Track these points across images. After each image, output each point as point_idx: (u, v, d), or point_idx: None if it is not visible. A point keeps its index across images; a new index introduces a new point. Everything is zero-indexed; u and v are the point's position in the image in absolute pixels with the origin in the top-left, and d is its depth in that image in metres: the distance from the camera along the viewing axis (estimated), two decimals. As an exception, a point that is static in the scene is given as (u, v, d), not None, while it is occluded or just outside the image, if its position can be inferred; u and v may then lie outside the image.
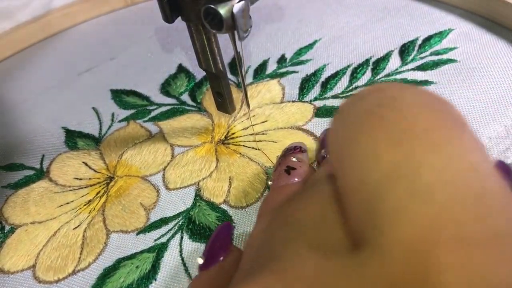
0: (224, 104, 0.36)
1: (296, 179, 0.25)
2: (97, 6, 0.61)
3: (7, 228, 0.35)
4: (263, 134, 0.37)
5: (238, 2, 0.26)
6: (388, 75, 0.40)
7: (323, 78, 0.42)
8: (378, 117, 0.13)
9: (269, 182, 0.27)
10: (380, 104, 0.14)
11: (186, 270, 0.29)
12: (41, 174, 0.39)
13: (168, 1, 0.29)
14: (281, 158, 0.27)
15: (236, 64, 0.45)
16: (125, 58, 0.52)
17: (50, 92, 0.49)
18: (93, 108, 0.45)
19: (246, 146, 0.37)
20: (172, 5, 0.29)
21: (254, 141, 0.37)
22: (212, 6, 0.26)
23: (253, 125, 0.38)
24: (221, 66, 0.33)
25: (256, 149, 0.36)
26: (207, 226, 0.31)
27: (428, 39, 0.43)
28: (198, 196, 0.34)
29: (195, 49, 0.32)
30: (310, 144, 0.35)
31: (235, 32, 0.27)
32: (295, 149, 0.27)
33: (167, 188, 0.35)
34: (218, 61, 0.32)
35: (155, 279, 0.29)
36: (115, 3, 0.61)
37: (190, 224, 0.32)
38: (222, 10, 0.25)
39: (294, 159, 0.26)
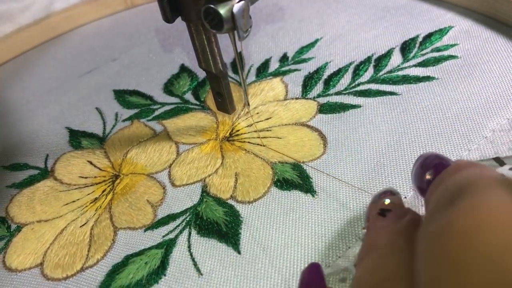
0: (224, 104, 0.36)
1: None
2: (97, 8, 0.61)
3: (13, 227, 0.35)
4: (267, 130, 0.38)
5: (238, 2, 0.26)
6: (390, 71, 0.40)
7: (325, 75, 0.42)
8: None
9: (363, 230, 0.26)
10: None
11: (195, 265, 0.29)
12: (45, 173, 0.39)
13: (168, 1, 0.29)
14: (371, 205, 0.26)
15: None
16: (127, 59, 0.52)
17: (52, 94, 0.49)
18: (96, 108, 0.45)
19: (251, 143, 0.37)
20: (172, 5, 0.29)
21: (258, 137, 0.37)
22: (212, 6, 0.26)
23: (256, 122, 0.39)
24: (221, 66, 0.33)
25: (261, 145, 0.36)
26: (214, 221, 0.32)
27: (428, 36, 0.43)
28: (204, 192, 0.34)
29: (195, 49, 0.33)
30: (316, 139, 0.36)
31: (235, 32, 0.27)
32: (385, 193, 0.26)
33: (173, 185, 0.35)
34: (218, 61, 0.33)
35: (164, 275, 0.29)
36: (116, 5, 0.62)
37: (198, 220, 0.32)
38: (222, 10, 0.26)
39: (387, 202, 0.25)
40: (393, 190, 0.26)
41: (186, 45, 0.52)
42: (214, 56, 0.32)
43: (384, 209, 0.25)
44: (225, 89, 0.35)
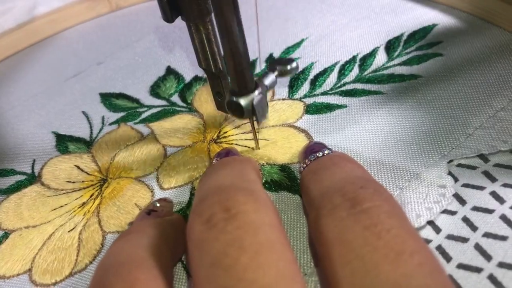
0: (224, 104, 0.36)
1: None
2: (82, 11, 0.61)
3: (0, 233, 0.35)
4: (255, 132, 0.38)
5: (257, 95, 0.30)
6: (375, 70, 0.41)
7: (311, 75, 0.42)
8: None
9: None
10: None
11: (185, 268, 0.29)
12: (32, 178, 0.39)
13: (168, 0, 0.29)
14: (142, 210, 0.30)
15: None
16: (113, 62, 0.52)
17: (38, 98, 0.49)
18: (83, 112, 0.45)
19: (239, 145, 0.37)
20: (172, 5, 0.29)
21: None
22: (235, 99, 0.30)
23: (244, 124, 0.39)
24: (221, 66, 0.33)
25: (249, 147, 0.36)
26: (203, 223, 0.32)
27: (413, 35, 0.44)
28: (193, 194, 0.34)
29: (195, 48, 0.32)
30: (302, 140, 0.36)
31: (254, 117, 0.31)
32: (159, 200, 0.32)
33: (162, 188, 0.35)
34: (218, 61, 0.33)
35: (154, 278, 0.29)
36: (100, 8, 0.61)
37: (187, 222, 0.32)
38: (244, 102, 0.30)
39: (157, 205, 0.31)
40: (168, 199, 0.32)
41: (172, 47, 0.52)
42: (214, 56, 0.32)
43: (151, 210, 0.30)
44: (225, 89, 0.35)
